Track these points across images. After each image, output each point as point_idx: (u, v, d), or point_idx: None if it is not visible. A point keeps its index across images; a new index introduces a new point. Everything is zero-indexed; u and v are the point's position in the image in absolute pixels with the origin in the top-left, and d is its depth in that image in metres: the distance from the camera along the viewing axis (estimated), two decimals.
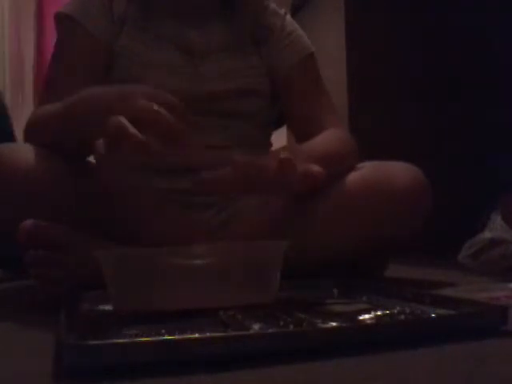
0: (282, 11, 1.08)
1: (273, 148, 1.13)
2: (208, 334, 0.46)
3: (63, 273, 0.75)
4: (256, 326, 0.50)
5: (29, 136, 0.88)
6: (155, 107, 0.65)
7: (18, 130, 2.98)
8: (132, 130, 0.62)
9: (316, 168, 0.71)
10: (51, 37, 2.83)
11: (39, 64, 3.04)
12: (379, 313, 0.56)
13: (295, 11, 1.98)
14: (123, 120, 0.63)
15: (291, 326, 0.51)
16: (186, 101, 0.97)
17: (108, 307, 0.63)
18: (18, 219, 0.72)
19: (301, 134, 1.00)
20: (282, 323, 0.52)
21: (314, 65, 1.06)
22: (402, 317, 0.54)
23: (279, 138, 1.46)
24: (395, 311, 0.57)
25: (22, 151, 0.82)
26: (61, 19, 0.98)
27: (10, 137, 1.36)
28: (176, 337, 0.45)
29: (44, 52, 3.03)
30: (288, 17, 1.08)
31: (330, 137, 0.95)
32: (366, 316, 0.55)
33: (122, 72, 0.97)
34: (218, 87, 0.98)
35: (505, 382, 0.40)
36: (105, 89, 0.75)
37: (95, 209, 0.83)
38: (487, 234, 1.12)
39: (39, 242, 0.72)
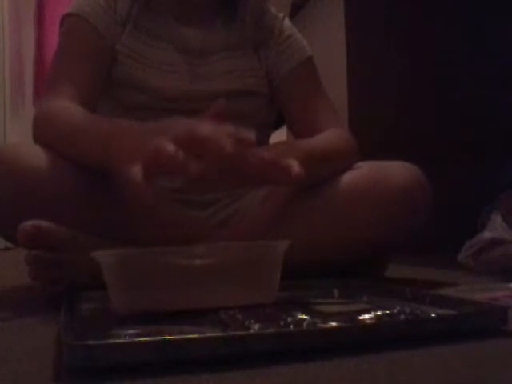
0: (281, 15, 1.08)
1: None
2: (208, 334, 0.46)
3: (63, 273, 0.75)
4: (256, 326, 0.50)
5: (39, 134, 0.87)
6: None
7: (18, 129, 2.98)
8: (171, 148, 0.60)
9: (296, 168, 0.68)
10: (51, 36, 2.83)
11: (39, 64, 3.04)
12: (379, 313, 0.56)
13: (295, 11, 1.98)
14: (163, 141, 0.61)
15: (291, 326, 0.51)
16: (185, 101, 0.98)
17: (108, 307, 0.63)
18: (18, 218, 0.72)
19: (302, 137, 1.00)
20: (282, 323, 0.52)
21: (312, 68, 1.06)
22: (402, 317, 0.54)
23: (279, 139, 1.46)
24: (395, 311, 0.57)
25: (26, 150, 0.82)
26: (67, 17, 0.98)
27: None
28: (176, 337, 0.45)
29: (44, 52, 3.03)
30: (286, 20, 1.08)
31: (330, 136, 0.95)
32: (366, 316, 0.55)
33: (122, 71, 0.97)
34: (217, 88, 0.98)
35: (505, 383, 0.40)
36: (137, 127, 0.73)
37: (95, 209, 0.83)
38: (487, 234, 1.12)
39: (39, 243, 0.73)
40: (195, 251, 0.62)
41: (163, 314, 0.56)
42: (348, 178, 0.89)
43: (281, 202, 0.93)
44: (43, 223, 0.73)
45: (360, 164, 0.92)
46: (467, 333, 0.50)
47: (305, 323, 0.52)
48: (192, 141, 0.62)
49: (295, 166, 0.65)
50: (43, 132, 0.86)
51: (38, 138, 0.87)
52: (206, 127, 0.63)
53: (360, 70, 1.61)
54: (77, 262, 0.75)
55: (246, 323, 0.52)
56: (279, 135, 1.48)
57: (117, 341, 0.44)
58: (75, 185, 0.82)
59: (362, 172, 0.90)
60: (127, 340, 0.45)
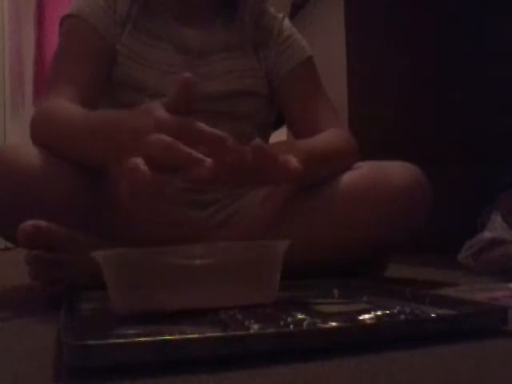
0: (281, 15, 1.08)
1: None
2: (208, 334, 0.46)
3: (63, 273, 0.75)
4: (256, 326, 0.50)
5: (37, 135, 0.87)
6: (165, 140, 0.60)
7: (18, 129, 2.98)
8: (143, 169, 0.58)
9: (295, 163, 0.67)
10: (51, 36, 2.83)
11: (39, 64, 3.04)
12: (379, 313, 0.56)
13: (295, 11, 1.98)
14: (138, 161, 0.59)
15: (291, 326, 0.51)
16: None
17: (108, 307, 0.63)
18: (18, 218, 0.72)
19: (302, 137, 1.00)
20: (282, 323, 0.52)
21: (312, 68, 1.06)
22: (402, 317, 0.54)
23: (279, 139, 1.46)
24: (395, 311, 0.57)
25: (26, 150, 0.82)
26: (67, 18, 0.98)
27: None
28: (176, 337, 0.45)
29: (44, 52, 3.03)
30: (286, 21, 1.08)
31: (330, 136, 0.95)
32: (366, 316, 0.55)
33: (122, 72, 0.97)
34: (217, 88, 0.98)
35: (505, 383, 0.40)
36: (117, 123, 0.70)
37: (95, 209, 0.83)
38: (487, 234, 1.12)
39: (39, 243, 0.72)
40: (195, 251, 0.61)
41: (163, 314, 0.56)
42: (348, 178, 0.89)
43: (281, 202, 0.93)
44: (43, 223, 0.73)
45: (360, 164, 0.92)
46: (467, 333, 0.50)
47: (305, 323, 0.52)
48: (167, 156, 0.60)
49: (293, 162, 0.65)
50: (42, 132, 0.86)
51: (35, 139, 0.87)
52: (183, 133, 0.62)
53: (360, 70, 1.61)
54: (77, 262, 0.75)
55: (246, 323, 0.52)
56: (279, 135, 1.48)
57: (117, 341, 0.44)
58: (75, 185, 0.82)
59: (362, 172, 0.90)
60: (127, 340, 0.45)
